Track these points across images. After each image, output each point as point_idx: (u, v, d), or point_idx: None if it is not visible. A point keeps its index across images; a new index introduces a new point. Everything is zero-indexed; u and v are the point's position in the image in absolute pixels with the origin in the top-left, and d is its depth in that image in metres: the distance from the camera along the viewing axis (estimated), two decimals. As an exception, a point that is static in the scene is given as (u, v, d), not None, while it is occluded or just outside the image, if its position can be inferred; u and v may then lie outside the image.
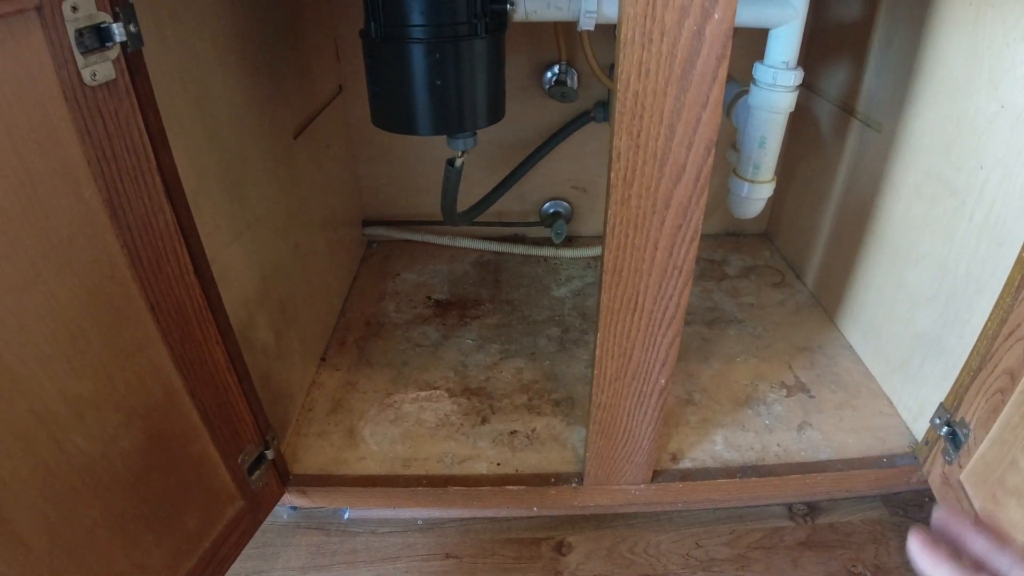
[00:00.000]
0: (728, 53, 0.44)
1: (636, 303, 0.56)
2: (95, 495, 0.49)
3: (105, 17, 0.44)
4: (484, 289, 1.10)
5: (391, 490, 0.75)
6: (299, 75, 0.87)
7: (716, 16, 0.42)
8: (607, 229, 0.52)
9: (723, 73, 0.45)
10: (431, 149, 1.12)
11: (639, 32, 0.43)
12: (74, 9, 0.42)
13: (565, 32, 0.99)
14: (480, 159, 1.12)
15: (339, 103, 1.05)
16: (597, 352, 0.60)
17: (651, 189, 0.49)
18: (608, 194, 0.50)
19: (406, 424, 0.83)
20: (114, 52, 0.46)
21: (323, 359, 0.95)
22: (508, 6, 0.66)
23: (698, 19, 0.42)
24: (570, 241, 1.21)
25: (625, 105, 0.46)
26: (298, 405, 0.86)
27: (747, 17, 0.70)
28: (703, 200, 0.50)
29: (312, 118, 0.91)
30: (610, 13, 0.66)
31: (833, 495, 0.86)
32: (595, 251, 1.17)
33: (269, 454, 0.69)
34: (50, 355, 0.45)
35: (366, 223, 1.22)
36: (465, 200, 0.98)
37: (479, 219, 1.09)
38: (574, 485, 0.75)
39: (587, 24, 0.66)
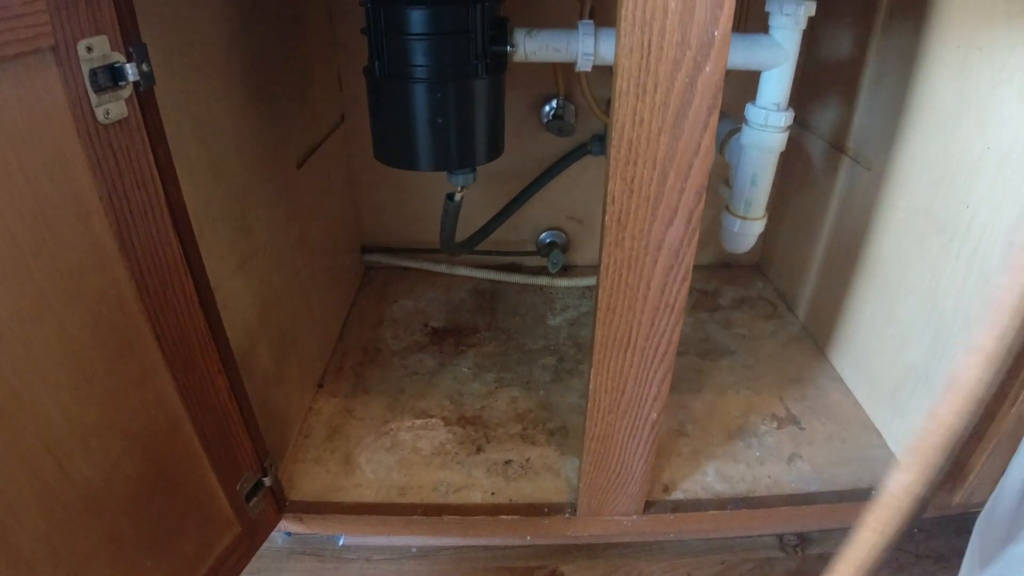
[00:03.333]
0: (719, 103, 0.46)
1: (629, 339, 0.58)
2: (97, 520, 0.50)
3: (119, 57, 0.46)
4: (480, 317, 1.12)
5: (387, 518, 0.75)
6: (302, 106, 0.89)
7: (707, 69, 0.44)
8: (601, 269, 0.53)
9: (714, 122, 0.47)
10: (430, 178, 1.14)
11: (633, 83, 0.45)
12: (89, 49, 0.44)
13: (563, 67, 1.02)
14: (478, 190, 1.14)
15: (341, 133, 1.07)
16: (591, 386, 0.61)
17: (644, 231, 0.51)
18: (602, 235, 0.52)
19: (402, 452, 0.84)
20: (127, 91, 0.47)
21: (320, 385, 0.96)
22: (508, 48, 0.68)
23: (690, 71, 0.44)
24: (566, 271, 1.23)
25: (620, 152, 0.47)
26: (295, 431, 0.86)
27: (739, 60, 0.72)
28: (695, 241, 0.52)
29: (315, 148, 0.93)
30: (607, 55, 0.68)
31: (824, 526, 0.87)
32: (590, 281, 1.19)
33: (267, 481, 0.70)
34: (58, 383, 0.46)
35: (365, 250, 1.24)
36: (463, 229, 1.00)
37: (476, 248, 1.11)
38: (567, 515, 0.75)
39: (584, 66, 0.68)
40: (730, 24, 0.43)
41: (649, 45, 0.44)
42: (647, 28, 0.43)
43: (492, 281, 1.21)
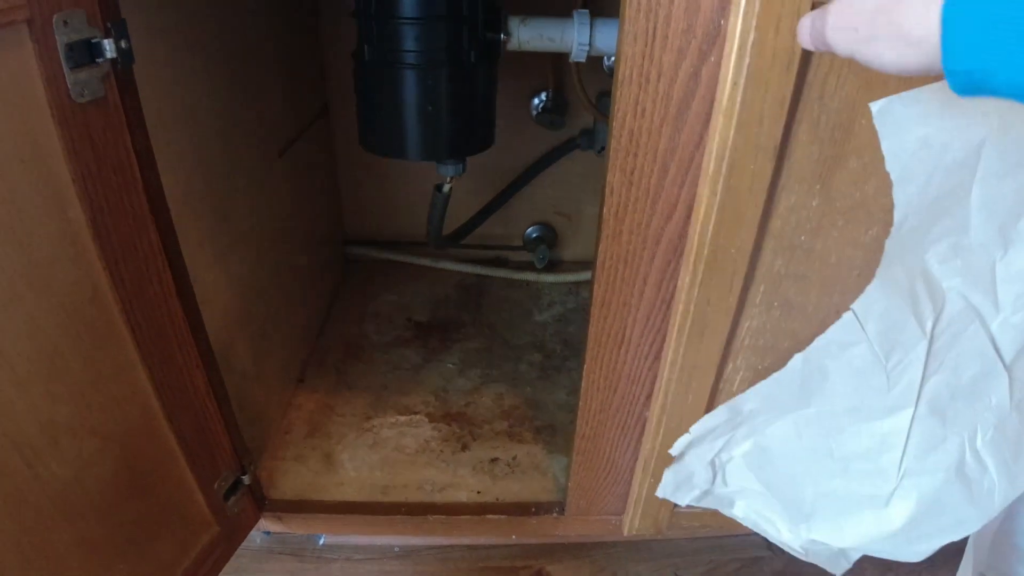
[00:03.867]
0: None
1: (623, 336, 0.56)
2: (68, 522, 0.48)
3: (96, 32, 0.44)
4: (466, 312, 1.10)
5: (370, 518, 0.73)
6: (285, 93, 0.86)
7: (712, 58, 0.43)
8: (597, 263, 0.52)
9: (717, 114, 0.45)
10: (414, 169, 1.12)
11: (636, 72, 0.43)
12: (65, 23, 0.42)
13: (554, 59, 1.00)
14: (465, 182, 1.12)
15: (324, 122, 1.04)
16: (583, 384, 0.60)
17: (642, 225, 0.50)
18: (599, 229, 0.51)
19: (385, 450, 0.82)
20: (104, 68, 0.45)
21: (301, 380, 0.93)
22: (502, 35, 0.66)
23: (695, 61, 0.43)
24: (552, 266, 1.21)
25: (620, 142, 0.46)
26: (275, 428, 0.84)
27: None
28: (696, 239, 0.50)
29: (297, 136, 0.91)
30: (602, 46, 0.67)
31: (809, 526, 0.86)
32: (577, 277, 1.17)
33: (246, 479, 0.68)
34: (26, 379, 0.43)
35: (348, 242, 1.21)
36: (448, 222, 0.98)
37: (462, 241, 1.09)
38: (555, 515, 0.74)
39: (579, 56, 0.67)
40: (738, 14, 0.42)
41: (654, 33, 0.42)
42: (652, 15, 0.41)
43: (477, 276, 1.19)
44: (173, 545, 0.59)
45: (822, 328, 0.54)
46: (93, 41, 0.44)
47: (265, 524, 0.75)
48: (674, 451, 0.62)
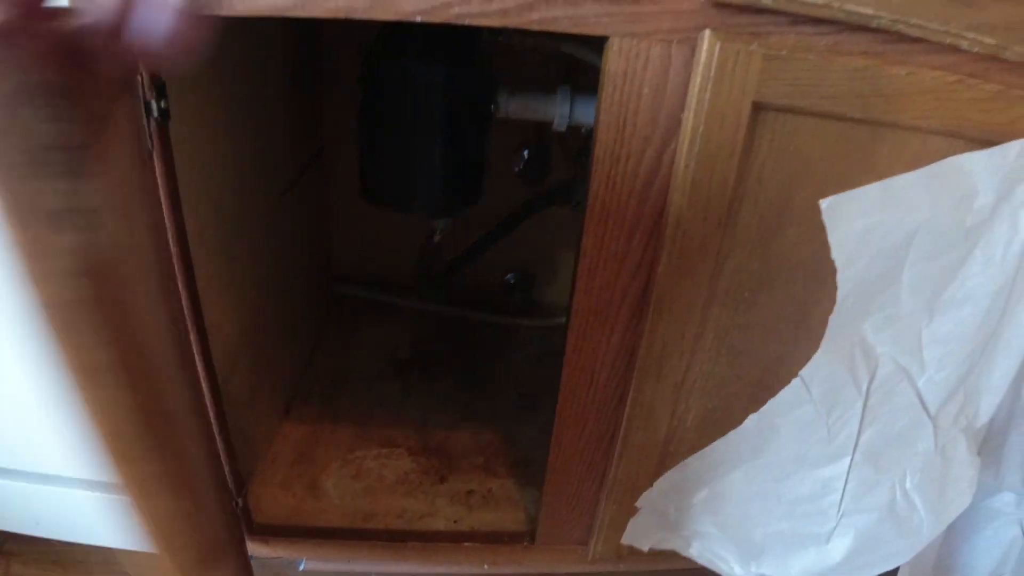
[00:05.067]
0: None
1: (592, 379, 0.63)
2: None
3: (148, 93, 0.50)
4: (445, 350, 1.16)
5: (352, 543, 0.78)
6: (288, 135, 0.92)
7: (672, 145, 0.51)
8: (572, 314, 0.59)
9: (676, 190, 0.53)
10: (401, 215, 1.18)
11: (609, 153, 0.51)
12: (132, 85, 0.47)
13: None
14: (452, 230, 1.18)
15: (319, 164, 1.10)
16: (556, 421, 0.66)
17: (611, 282, 0.57)
18: (573, 284, 0.58)
19: (368, 480, 0.87)
20: (151, 126, 0.51)
21: (287, 411, 0.98)
22: (492, 106, 0.74)
23: (658, 147, 0.51)
24: (528, 310, 1.28)
25: (594, 211, 0.54)
26: (262, 455, 0.88)
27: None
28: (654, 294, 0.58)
29: (298, 177, 0.96)
30: (581, 118, 0.75)
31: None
32: (552, 321, 1.24)
33: (239, 503, 0.72)
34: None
35: (336, 279, 1.27)
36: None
37: (445, 283, 1.15)
38: (526, 544, 0.79)
39: (561, 126, 0.75)
40: (690, 110, 0.50)
41: (624, 123, 0.50)
42: (623, 109, 0.50)
43: (458, 316, 1.26)
44: (170, 561, 0.63)
45: (764, 372, 0.62)
46: (145, 101, 0.50)
47: (252, 548, 0.79)
48: (640, 503, 0.68)
